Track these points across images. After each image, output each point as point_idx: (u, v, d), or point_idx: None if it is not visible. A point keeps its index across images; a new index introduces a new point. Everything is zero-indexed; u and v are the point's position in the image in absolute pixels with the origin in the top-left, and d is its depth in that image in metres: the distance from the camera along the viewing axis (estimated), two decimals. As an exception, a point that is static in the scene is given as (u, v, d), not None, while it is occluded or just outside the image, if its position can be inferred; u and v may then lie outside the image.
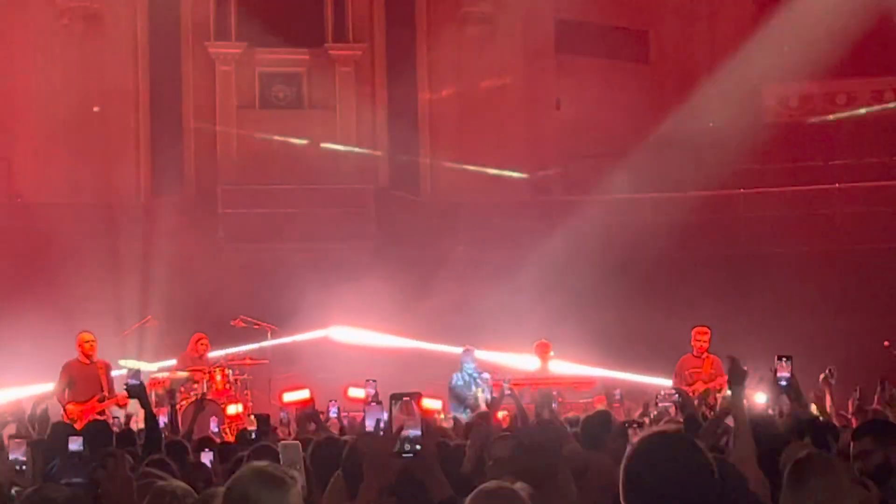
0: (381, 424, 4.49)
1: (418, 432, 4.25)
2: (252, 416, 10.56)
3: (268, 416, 10.71)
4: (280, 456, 4.77)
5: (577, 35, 24.64)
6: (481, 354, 17.38)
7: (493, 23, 24.56)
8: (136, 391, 9.10)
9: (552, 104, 25.06)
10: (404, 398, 4.21)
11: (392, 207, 23.54)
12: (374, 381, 11.28)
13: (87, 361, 15.31)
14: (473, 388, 16.33)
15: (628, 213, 23.28)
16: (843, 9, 22.41)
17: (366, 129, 24.22)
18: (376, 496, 4.57)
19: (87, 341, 15.39)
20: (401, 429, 4.26)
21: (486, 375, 16.60)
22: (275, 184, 22.72)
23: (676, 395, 10.17)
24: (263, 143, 23.43)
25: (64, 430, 9.03)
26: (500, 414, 12.02)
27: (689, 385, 14.88)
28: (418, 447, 4.22)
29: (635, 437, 3.50)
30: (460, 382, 16.58)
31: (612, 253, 21.55)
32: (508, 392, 11.61)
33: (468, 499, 4.12)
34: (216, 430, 10.61)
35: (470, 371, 16.65)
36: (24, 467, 6.61)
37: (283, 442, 5.06)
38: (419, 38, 24.58)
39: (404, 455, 4.23)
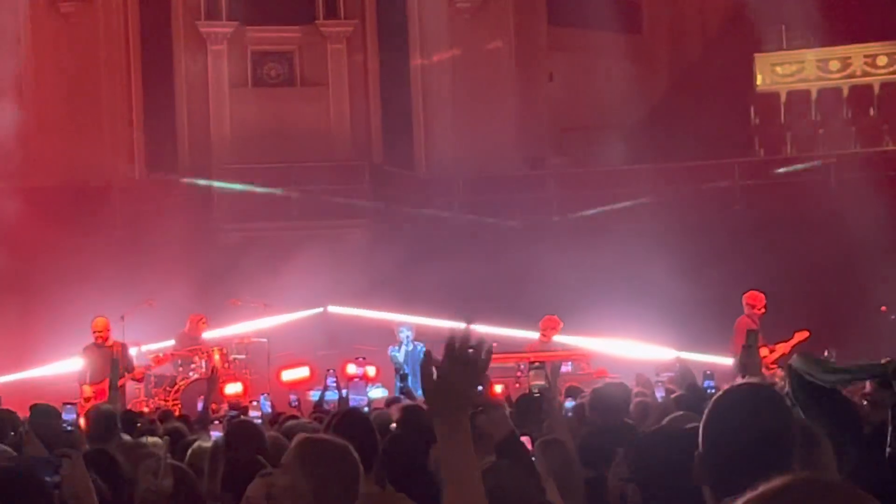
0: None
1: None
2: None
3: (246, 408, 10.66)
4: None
5: (569, 6, 24.55)
6: (479, 328, 17.32)
7: (484, -4, 24.51)
8: None
9: (545, 76, 25.01)
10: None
11: (387, 183, 23.51)
12: (365, 358, 11.40)
13: (100, 344, 15.92)
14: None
15: (625, 184, 23.24)
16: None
17: (359, 106, 24.19)
18: None
19: (95, 331, 16.03)
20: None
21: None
22: (269, 162, 22.68)
23: (676, 365, 10.19)
24: (256, 121, 23.40)
25: (42, 412, 9.07)
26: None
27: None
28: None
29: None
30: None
31: (612, 226, 21.53)
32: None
33: None
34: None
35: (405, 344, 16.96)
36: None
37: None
38: (410, 13, 24.50)
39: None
